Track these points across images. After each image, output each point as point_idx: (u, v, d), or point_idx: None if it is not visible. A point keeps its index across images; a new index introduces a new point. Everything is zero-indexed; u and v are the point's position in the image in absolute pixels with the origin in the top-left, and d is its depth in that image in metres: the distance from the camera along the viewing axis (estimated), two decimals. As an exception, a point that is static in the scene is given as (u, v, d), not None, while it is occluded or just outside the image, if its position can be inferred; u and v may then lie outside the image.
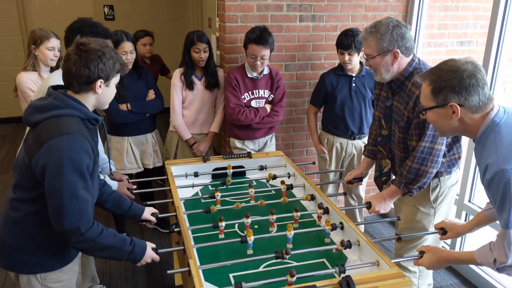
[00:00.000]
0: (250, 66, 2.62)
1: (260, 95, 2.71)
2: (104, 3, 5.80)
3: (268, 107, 2.74)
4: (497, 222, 1.37)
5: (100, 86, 1.43)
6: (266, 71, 2.69)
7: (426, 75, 1.42)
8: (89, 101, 1.46)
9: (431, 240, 2.02)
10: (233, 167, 2.29)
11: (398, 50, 1.80)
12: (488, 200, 1.67)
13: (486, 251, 1.39)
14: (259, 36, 2.49)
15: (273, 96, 2.75)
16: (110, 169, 2.02)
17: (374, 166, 2.24)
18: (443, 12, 3.29)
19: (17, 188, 1.47)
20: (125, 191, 2.05)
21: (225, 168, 2.28)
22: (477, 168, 2.63)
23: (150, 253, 1.53)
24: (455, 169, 1.98)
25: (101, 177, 1.93)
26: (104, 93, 1.47)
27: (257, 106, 2.71)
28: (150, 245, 1.55)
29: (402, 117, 1.89)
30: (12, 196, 1.49)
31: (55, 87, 1.48)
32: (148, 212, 1.80)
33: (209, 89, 2.84)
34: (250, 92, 2.69)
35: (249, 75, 2.66)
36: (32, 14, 5.58)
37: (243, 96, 2.68)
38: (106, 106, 1.54)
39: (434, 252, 1.53)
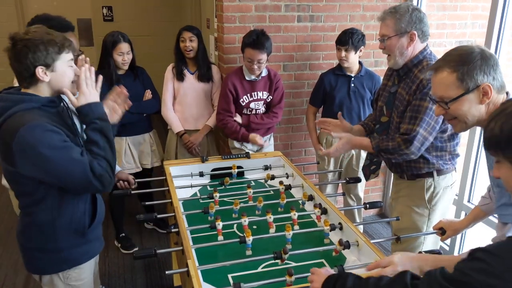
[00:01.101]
0: (247, 69, 2.61)
1: (258, 97, 2.70)
2: (103, 4, 5.81)
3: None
4: (493, 219, 1.32)
5: (45, 73, 1.39)
6: (264, 73, 2.68)
7: (443, 64, 1.33)
8: (43, 90, 1.44)
9: (430, 242, 2.01)
10: (231, 168, 2.28)
11: (415, 32, 1.80)
12: (483, 195, 1.67)
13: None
14: (256, 40, 2.47)
15: (271, 97, 2.74)
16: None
17: (365, 156, 2.27)
18: (442, 12, 3.30)
19: (20, 197, 1.51)
20: (124, 176, 2.07)
21: (223, 169, 2.28)
22: (476, 168, 2.64)
23: (92, 93, 1.48)
24: (449, 167, 1.95)
25: None
26: (54, 78, 1.42)
27: (255, 107, 2.71)
28: (83, 96, 1.47)
29: (402, 102, 1.88)
30: (20, 205, 1.53)
31: (7, 89, 1.48)
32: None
33: (201, 81, 2.84)
34: (248, 95, 2.68)
35: (247, 78, 2.64)
36: (30, 15, 5.57)
37: (241, 99, 2.66)
38: (66, 89, 1.47)
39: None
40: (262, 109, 2.75)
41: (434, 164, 1.91)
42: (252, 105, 2.71)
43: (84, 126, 1.50)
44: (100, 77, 1.56)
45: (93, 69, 1.53)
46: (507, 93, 1.34)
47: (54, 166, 1.35)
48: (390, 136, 1.92)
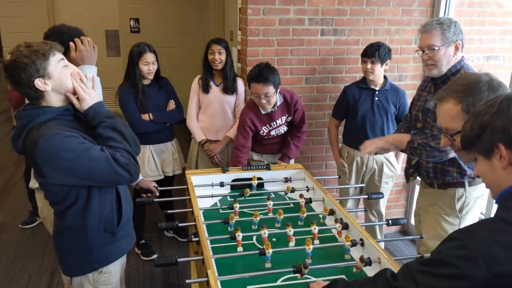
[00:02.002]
0: (258, 105, 2.54)
1: (278, 124, 2.64)
2: (130, 16, 5.98)
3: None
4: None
5: (44, 83, 1.42)
6: (279, 101, 2.56)
7: (448, 94, 1.32)
8: (51, 99, 1.47)
9: None
10: (251, 179, 2.29)
11: (460, 42, 1.94)
12: None
13: None
14: (258, 74, 2.38)
15: (291, 118, 2.65)
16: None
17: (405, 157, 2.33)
18: (469, 27, 3.25)
19: (53, 205, 1.57)
20: (147, 184, 2.11)
21: (244, 179, 2.29)
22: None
23: (92, 95, 1.51)
24: (480, 180, 1.94)
25: None
26: (55, 84, 1.45)
27: (276, 133, 2.66)
28: (86, 99, 1.50)
29: None
30: (54, 212, 1.59)
31: (26, 105, 1.53)
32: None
33: (226, 93, 2.87)
34: (267, 125, 2.62)
35: (263, 112, 2.56)
36: (62, 26, 5.80)
37: (261, 131, 2.61)
38: (69, 87, 1.48)
39: None
40: (284, 129, 2.68)
41: (466, 171, 1.91)
42: (272, 132, 2.66)
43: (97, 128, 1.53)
44: (93, 75, 1.61)
45: (91, 41, 1.67)
46: None
47: (80, 168, 1.40)
48: (425, 134, 1.94)
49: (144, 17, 6.02)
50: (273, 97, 2.47)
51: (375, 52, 2.53)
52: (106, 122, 1.50)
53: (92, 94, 1.50)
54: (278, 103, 2.57)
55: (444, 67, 1.96)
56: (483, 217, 2.62)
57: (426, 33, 1.97)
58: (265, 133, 2.65)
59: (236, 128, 2.73)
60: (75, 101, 1.49)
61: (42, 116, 1.44)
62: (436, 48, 1.93)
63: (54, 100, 1.48)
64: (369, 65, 2.57)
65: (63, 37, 1.85)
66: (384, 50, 2.55)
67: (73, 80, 1.48)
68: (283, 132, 2.70)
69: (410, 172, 2.20)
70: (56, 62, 1.45)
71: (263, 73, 2.39)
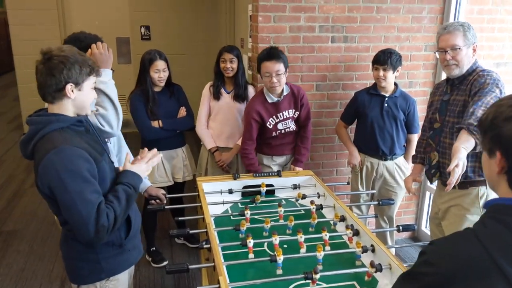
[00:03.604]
0: (267, 88, 2.58)
1: (285, 117, 2.66)
2: (141, 23, 6.07)
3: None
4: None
5: (72, 91, 1.44)
6: (286, 91, 2.62)
7: None
8: (67, 108, 1.48)
9: None
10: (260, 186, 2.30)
11: (476, 45, 2.04)
12: None
13: None
14: (269, 52, 2.50)
15: (298, 113, 2.68)
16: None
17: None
18: (479, 34, 3.20)
19: (54, 214, 1.57)
20: (156, 192, 2.12)
21: (254, 186, 2.30)
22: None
23: (143, 169, 1.60)
24: None
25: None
26: (79, 98, 1.47)
27: (283, 127, 2.68)
28: (137, 166, 1.59)
29: (457, 104, 2.02)
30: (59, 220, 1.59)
31: (38, 111, 1.53)
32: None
33: (236, 101, 2.89)
34: (274, 117, 2.64)
35: (269, 101, 2.60)
36: (74, 34, 5.90)
37: (268, 123, 2.63)
38: (87, 111, 1.54)
39: None
40: (292, 127, 2.70)
41: None
42: (279, 126, 2.66)
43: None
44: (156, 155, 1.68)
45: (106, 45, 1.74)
46: None
47: (66, 196, 1.37)
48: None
49: (155, 24, 6.09)
50: (283, 78, 2.52)
51: (387, 59, 2.54)
52: (129, 189, 1.52)
53: (147, 170, 1.62)
54: (285, 93, 2.61)
55: (465, 66, 2.04)
56: None
57: (449, 34, 2.03)
58: (272, 126, 2.64)
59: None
60: (126, 163, 1.61)
61: (56, 123, 1.44)
62: (459, 48, 2.01)
63: (67, 109, 1.49)
64: (381, 72, 2.57)
65: (80, 44, 1.88)
66: (396, 57, 2.56)
67: (150, 155, 1.65)
68: (291, 129, 2.70)
69: (432, 172, 2.22)
70: (92, 82, 1.52)
71: (274, 51, 2.51)
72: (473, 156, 2.02)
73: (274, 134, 2.68)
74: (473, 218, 2.06)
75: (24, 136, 1.48)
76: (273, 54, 2.48)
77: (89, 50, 1.80)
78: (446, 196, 2.17)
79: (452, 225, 2.13)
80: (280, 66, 2.48)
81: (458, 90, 2.06)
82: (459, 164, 1.74)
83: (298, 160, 2.74)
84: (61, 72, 1.41)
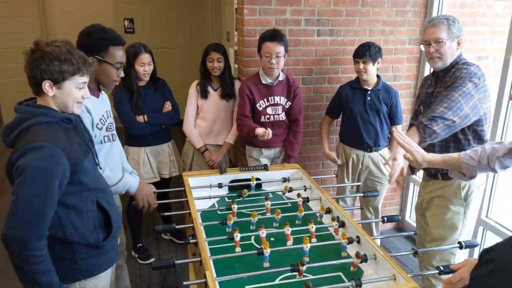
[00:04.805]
0: (265, 68, 2.61)
1: (276, 102, 2.68)
2: (124, 16, 5.97)
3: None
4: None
5: (51, 88, 1.41)
6: (281, 77, 2.66)
7: None
8: (50, 104, 1.45)
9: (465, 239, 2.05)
10: (249, 180, 2.30)
11: (461, 39, 2.06)
12: (470, 153, 1.62)
13: None
14: (273, 33, 2.53)
15: (290, 104, 2.71)
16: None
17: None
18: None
19: None
20: (146, 190, 2.09)
21: (241, 180, 2.30)
22: (494, 183, 2.61)
23: None
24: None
25: (119, 175, 1.96)
26: (59, 96, 1.43)
27: (273, 113, 2.69)
28: None
29: (439, 96, 2.03)
30: None
31: (28, 99, 1.50)
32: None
33: (224, 99, 2.88)
34: (265, 99, 2.67)
35: (263, 82, 2.65)
36: (53, 27, 5.77)
37: (258, 104, 2.66)
38: (69, 110, 1.49)
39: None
40: (282, 116, 2.71)
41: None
42: (269, 110, 2.68)
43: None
44: None
45: None
46: None
47: (22, 190, 1.31)
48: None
49: (139, 17, 6.01)
50: (281, 61, 2.56)
51: (365, 51, 2.58)
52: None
53: None
54: (280, 78, 2.66)
55: (448, 60, 2.06)
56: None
57: (433, 27, 2.05)
58: (262, 108, 2.67)
59: (235, 122, 2.78)
60: None
61: (43, 117, 1.41)
62: (443, 41, 2.03)
63: (50, 104, 1.46)
64: (361, 65, 2.61)
65: (106, 35, 1.87)
66: (374, 49, 2.59)
67: None
68: (280, 117, 2.71)
69: None
70: (77, 82, 1.46)
71: (278, 33, 2.54)
72: (455, 148, 2.06)
73: (263, 119, 2.69)
74: (455, 209, 2.10)
75: (9, 123, 1.44)
76: (276, 35, 2.52)
77: None
78: (430, 187, 2.21)
79: (435, 215, 2.17)
80: (281, 49, 2.53)
81: (441, 83, 2.09)
82: (397, 158, 1.84)
83: (290, 156, 2.75)
84: (38, 67, 1.38)
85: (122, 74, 1.94)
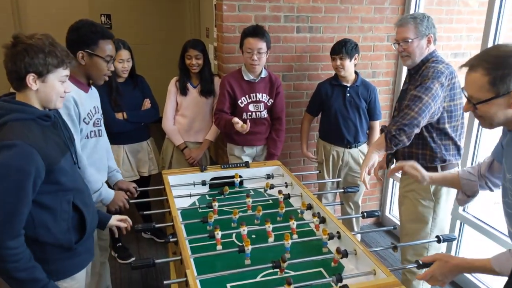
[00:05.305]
0: (246, 64, 2.59)
1: (258, 99, 2.66)
2: (101, 12, 5.84)
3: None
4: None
5: (35, 82, 1.38)
6: (264, 74, 2.64)
7: (478, 63, 1.30)
8: (31, 99, 1.42)
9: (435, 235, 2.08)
10: (231, 177, 2.29)
11: (432, 36, 2.08)
12: (468, 169, 1.64)
13: (506, 259, 1.30)
14: (255, 29, 2.51)
15: (272, 101, 2.70)
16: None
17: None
18: (438, 25, 3.30)
19: None
20: (122, 199, 2.05)
21: (222, 178, 2.29)
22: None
23: None
24: (451, 159, 2.11)
25: (100, 184, 1.93)
26: (43, 90, 1.41)
27: (255, 110, 2.67)
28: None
29: (409, 93, 2.07)
30: None
31: (7, 94, 1.46)
32: (115, 219, 1.81)
33: (204, 96, 2.86)
34: (247, 96, 2.64)
35: (246, 78, 2.61)
36: (28, 22, 5.60)
37: (240, 100, 2.62)
38: (53, 105, 1.47)
39: (445, 260, 1.41)
40: (264, 113, 2.69)
41: (437, 154, 2.08)
42: (251, 107, 2.65)
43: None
44: None
45: None
46: None
47: None
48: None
49: (116, 12, 5.88)
50: (263, 57, 2.54)
51: (342, 48, 2.60)
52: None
53: None
54: (263, 75, 2.63)
55: (417, 58, 2.10)
56: (450, 218, 2.71)
57: (401, 27, 2.10)
58: (243, 104, 2.64)
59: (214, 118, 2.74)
60: None
61: (19, 113, 1.37)
62: (410, 40, 2.07)
63: (32, 100, 1.42)
64: (338, 62, 2.63)
65: (95, 29, 1.86)
66: (350, 45, 2.61)
67: None
68: (262, 115, 2.69)
69: (388, 158, 2.32)
70: (60, 75, 1.43)
71: (260, 29, 2.53)
72: (424, 145, 2.11)
73: (245, 116, 2.66)
74: (425, 203, 2.15)
75: None
76: (258, 31, 2.50)
77: None
78: (404, 181, 2.26)
79: (407, 209, 2.23)
80: (263, 45, 2.50)
81: (413, 80, 2.12)
82: (368, 170, 1.99)
83: (273, 154, 2.73)
84: (22, 60, 1.35)
85: (113, 68, 1.95)
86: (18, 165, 1.31)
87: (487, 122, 1.36)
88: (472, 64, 1.32)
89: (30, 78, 1.37)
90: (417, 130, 1.96)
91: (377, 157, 2.04)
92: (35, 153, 1.34)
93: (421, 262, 1.50)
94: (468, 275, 2.69)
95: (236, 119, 2.46)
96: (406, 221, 2.23)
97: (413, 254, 2.18)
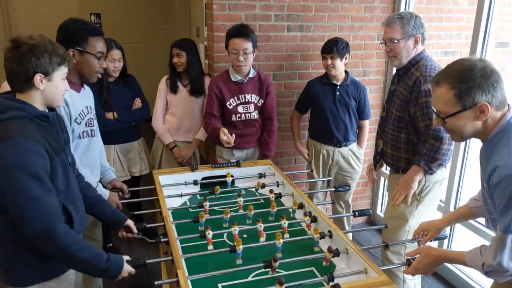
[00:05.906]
0: (233, 65, 2.53)
1: (247, 100, 2.58)
2: (91, 11, 5.78)
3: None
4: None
5: (41, 81, 1.39)
6: (252, 74, 2.57)
7: (442, 78, 1.33)
8: (36, 99, 1.42)
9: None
10: (221, 176, 2.28)
11: (419, 36, 2.05)
12: (474, 197, 1.67)
13: (476, 255, 1.36)
14: (239, 29, 2.44)
15: (262, 101, 2.64)
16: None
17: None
18: (428, 23, 3.33)
19: None
20: (116, 200, 2.04)
21: (212, 178, 2.28)
22: (462, 176, 2.69)
23: (126, 269, 1.51)
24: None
25: (94, 184, 1.91)
26: (48, 89, 1.42)
27: (244, 111, 2.62)
28: (126, 258, 1.52)
29: (400, 97, 2.08)
30: None
31: (5, 93, 1.45)
32: (132, 222, 1.79)
33: (193, 95, 2.84)
34: (235, 98, 2.57)
35: (233, 79, 2.55)
36: (17, 22, 5.53)
37: (228, 102, 2.56)
38: (57, 103, 1.49)
39: (427, 252, 1.49)
40: (254, 114, 2.63)
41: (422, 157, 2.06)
42: (240, 109, 2.58)
43: None
44: None
45: None
46: (508, 105, 1.35)
47: (12, 190, 1.31)
48: (420, 144, 2.07)
49: (106, 12, 5.83)
50: (250, 57, 2.47)
51: (333, 47, 2.59)
52: (99, 265, 1.44)
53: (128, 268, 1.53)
54: (251, 75, 2.57)
55: (404, 59, 2.08)
56: (442, 205, 2.74)
57: (387, 27, 2.09)
58: (232, 106, 2.57)
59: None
60: None
61: (18, 111, 1.37)
62: (396, 41, 2.05)
63: (35, 100, 1.42)
64: (329, 61, 2.62)
65: (85, 26, 1.85)
66: (341, 44, 2.61)
67: None
68: (252, 116, 2.62)
69: (376, 159, 2.34)
70: (62, 73, 1.46)
71: (244, 29, 2.45)
72: (408, 150, 2.13)
73: (234, 118, 2.60)
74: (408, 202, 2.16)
75: None
76: (242, 31, 2.43)
77: None
78: (393, 181, 2.28)
79: (390, 206, 2.23)
80: (249, 45, 2.43)
81: (403, 82, 2.10)
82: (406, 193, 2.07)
83: (266, 156, 2.68)
84: (29, 61, 1.35)
85: (105, 65, 1.94)
86: (22, 159, 1.31)
87: (457, 135, 1.39)
88: (437, 80, 1.35)
89: (38, 78, 1.38)
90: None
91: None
92: (38, 147, 1.35)
93: (411, 260, 1.53)
94: (456, 271, 2.73)
95: (224, 131, 2.35)
96: (388, 217, 2.24)
97: (390, 252, 2.19)
